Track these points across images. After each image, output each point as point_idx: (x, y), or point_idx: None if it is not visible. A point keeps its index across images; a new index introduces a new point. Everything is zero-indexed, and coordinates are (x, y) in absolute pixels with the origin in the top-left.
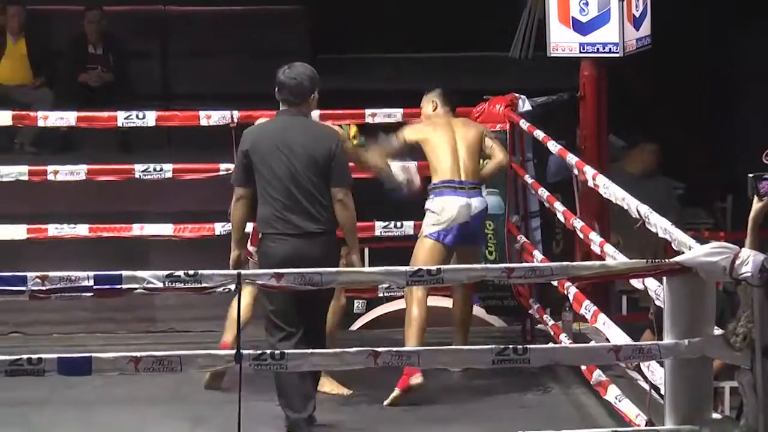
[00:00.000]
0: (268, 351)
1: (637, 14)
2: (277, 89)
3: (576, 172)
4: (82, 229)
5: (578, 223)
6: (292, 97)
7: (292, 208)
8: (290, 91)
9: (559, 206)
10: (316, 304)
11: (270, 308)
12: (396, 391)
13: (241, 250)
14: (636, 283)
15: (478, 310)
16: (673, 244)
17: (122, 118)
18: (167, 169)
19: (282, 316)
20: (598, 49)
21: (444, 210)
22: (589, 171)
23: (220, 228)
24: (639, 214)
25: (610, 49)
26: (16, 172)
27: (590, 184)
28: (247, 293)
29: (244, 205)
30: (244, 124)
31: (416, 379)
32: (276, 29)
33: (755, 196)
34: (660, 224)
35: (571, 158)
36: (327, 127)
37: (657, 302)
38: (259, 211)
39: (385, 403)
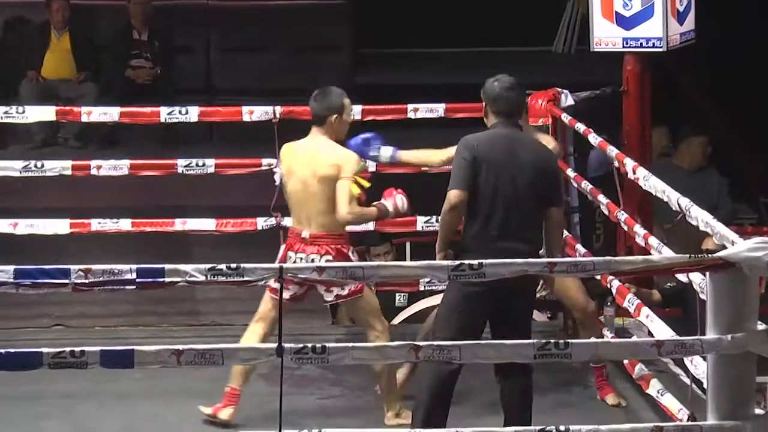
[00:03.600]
0: (310, 345)
1: (681, 8)
2: (491, 101)
3: (616, 164)
4: (124, 224)
5: (622, 216)
6: (512, 108)
7: (506, 231)
8: (509, 103)
9: (602, 199)
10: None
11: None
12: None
13: (447, 251)
14: (681, 277)
15: None
16: (714, 239)
17: (165, 113)
18: (209, 164)
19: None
20: (641, 43)
21: None
22: (629, 163)
23: (262, 222)
24: (680, 207)
25: (653, 43)
26: (60, 166)
27: (630, 176)
28: (260, 328)
29: (461, 213)
30: (286, 119)
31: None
32: (319, 23)
33: None
34: (701, 218)
35: (612, 150)
36: (545, 146)
37: (701, 296)
38: (467, 228)
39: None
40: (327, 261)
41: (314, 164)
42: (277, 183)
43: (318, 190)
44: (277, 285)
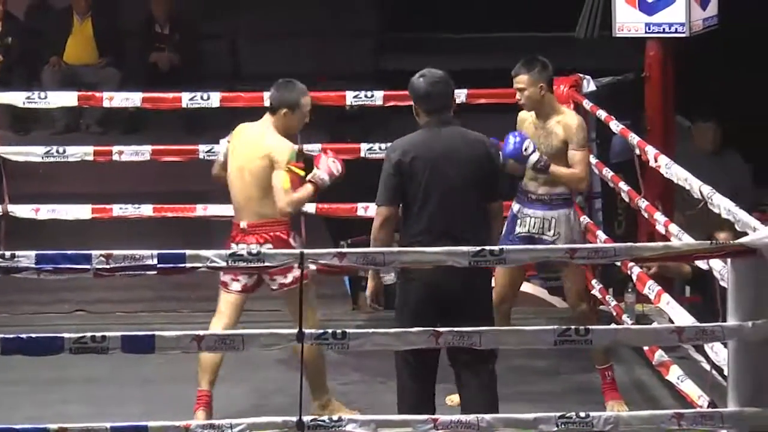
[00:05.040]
0: (330, 330)
1: None
2: (420, 99)
3: (638, 152)
4: (146, 209)
5: (643, 203)
6: (443, 103)
7: (438, 233)
8: (440, 97)
9: (623, 186)
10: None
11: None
12: None
13: (379, 279)
14: (701, 264)
15: (540, 291)
16: (737, 226)
17: (187, 99)
18: None
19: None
20: (664, 29)
21: None
22: (651, 151)
23: None
24: (701, 194)
25: (676, 29)
26: (82, 152)
27: (652, 164)
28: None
29: (391, 228)
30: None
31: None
32: (344, 9)
33: None
34: (723, 205)
35: (633, 138)
36: (479, 135)
37: (722, 283)
38: (404, 232)
39: None
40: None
41: (254, 149)
42: (221, 158)
43: (250, 178)
44: (226, 278)
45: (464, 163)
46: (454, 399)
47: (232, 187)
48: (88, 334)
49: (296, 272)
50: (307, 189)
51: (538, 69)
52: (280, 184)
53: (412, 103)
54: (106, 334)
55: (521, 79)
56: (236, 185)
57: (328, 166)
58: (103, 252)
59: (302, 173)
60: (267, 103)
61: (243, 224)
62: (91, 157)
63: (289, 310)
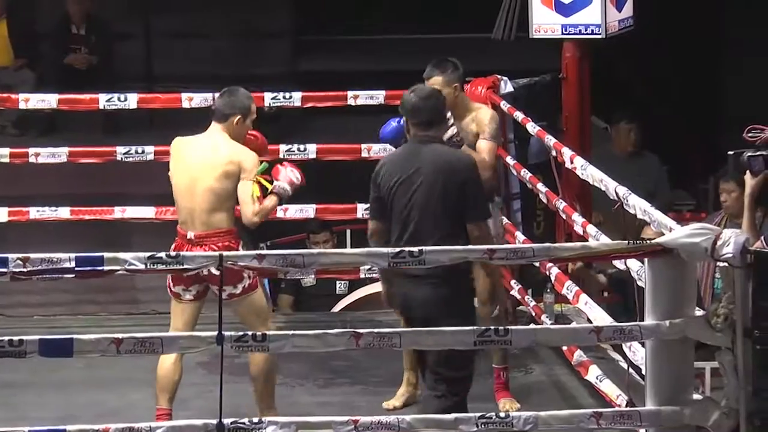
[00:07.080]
0: (250, 333)
1: None
2: (405, 113)
3: (554, 153)
4: (63, 212)
5: (561, 204)
6: (424, 119)
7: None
8: (418, 114)
9: (541, 187)
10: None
11: None
12: None
13: (386, 283)
14: (618, 264)
15: None
16: (652, 226)
17: (104, 100)
18: (149, 152)
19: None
20: (580, 30)
21: None
22: (567, 152)
23: None
24: (617, 195)
25: (592, 30)
26: None
27: (568, 165)
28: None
29: (378, 241)
30: None
31: None
32: (259, 10)
33: (748, 173)
34: (639, 205)
35: (550, 140)
36: (459, 154)
37: (639, 282)
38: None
39: None
40: None
41: (212, 159)
42: None
43: (210, 185)
44: (177, 289)
45: (431, 182)
46: (389, 404)
47: (181, 194)
48: (6, 338)
49: (246, 282)
50: (272, 200)
51: (451, 70)
52: (248, 193)
53: (332, 104)
54: (24, 337)
55: (435, 81)
56: (185, 196)
57: (288, 176)
58: (20, 255)
59: (269, 186)
60: (187, 107)
61: (190, 234)
62: (7, 159)
63: (240, 317)
